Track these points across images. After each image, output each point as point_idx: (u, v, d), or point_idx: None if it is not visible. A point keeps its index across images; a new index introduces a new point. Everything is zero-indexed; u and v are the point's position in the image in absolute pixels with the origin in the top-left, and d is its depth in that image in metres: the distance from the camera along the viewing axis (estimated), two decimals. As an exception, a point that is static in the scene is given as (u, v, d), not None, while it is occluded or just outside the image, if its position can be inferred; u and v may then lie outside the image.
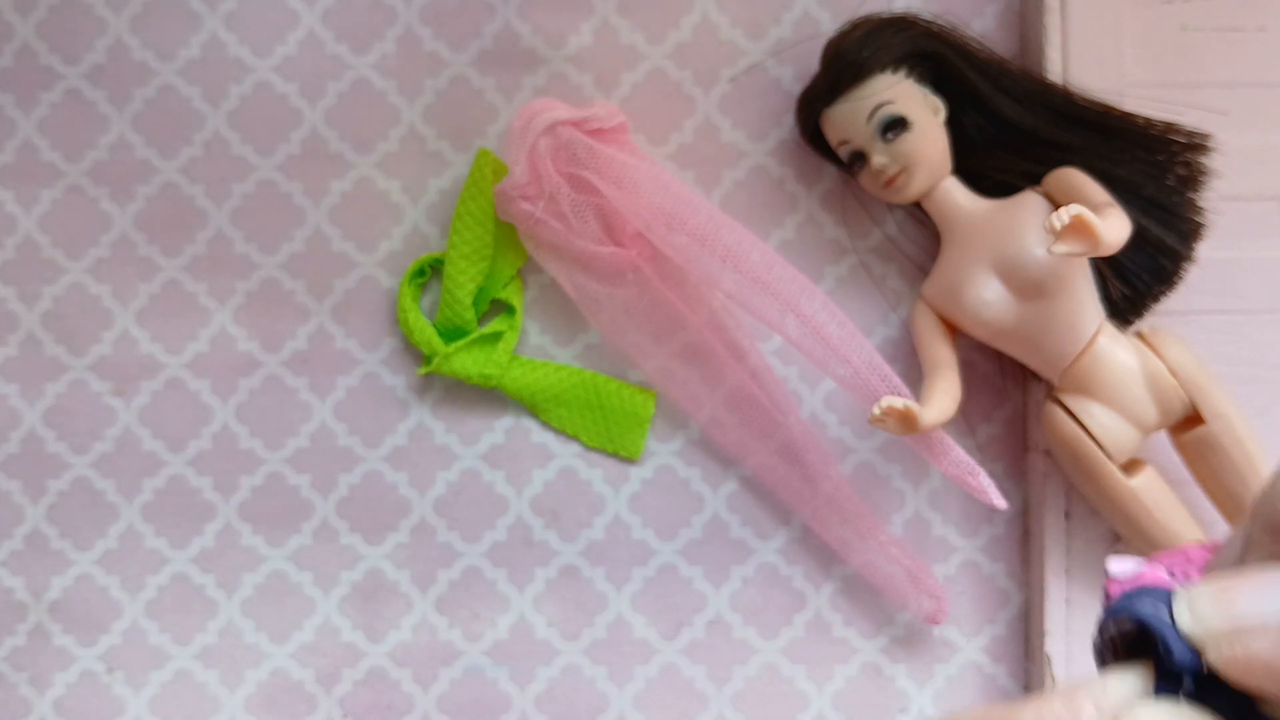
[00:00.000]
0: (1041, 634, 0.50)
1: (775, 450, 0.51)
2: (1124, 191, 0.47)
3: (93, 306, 0.53)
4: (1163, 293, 0.48)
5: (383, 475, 0.53)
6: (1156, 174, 0.48)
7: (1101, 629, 0.24)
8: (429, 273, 0.53)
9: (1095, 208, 0.45)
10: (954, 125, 0.48)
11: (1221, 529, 0.48)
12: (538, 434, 0.53)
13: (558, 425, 0.53)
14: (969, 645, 0.53)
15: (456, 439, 0.53)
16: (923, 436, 0.48)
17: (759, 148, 0.53)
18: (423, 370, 0.52)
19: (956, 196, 0.49)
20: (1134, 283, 0.48)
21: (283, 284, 0.53)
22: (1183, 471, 0.48)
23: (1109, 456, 0.47)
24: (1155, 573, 0.25)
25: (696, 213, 0.49)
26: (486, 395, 0.53)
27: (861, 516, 0.51)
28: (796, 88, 0.51)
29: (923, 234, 0.52)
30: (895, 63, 0.48)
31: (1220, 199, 0.49)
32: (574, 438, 0.53)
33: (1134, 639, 0.23)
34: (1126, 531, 0.48)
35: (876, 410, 0.45)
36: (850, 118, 0.48)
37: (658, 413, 0.53)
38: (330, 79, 0.53)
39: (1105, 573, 0.25)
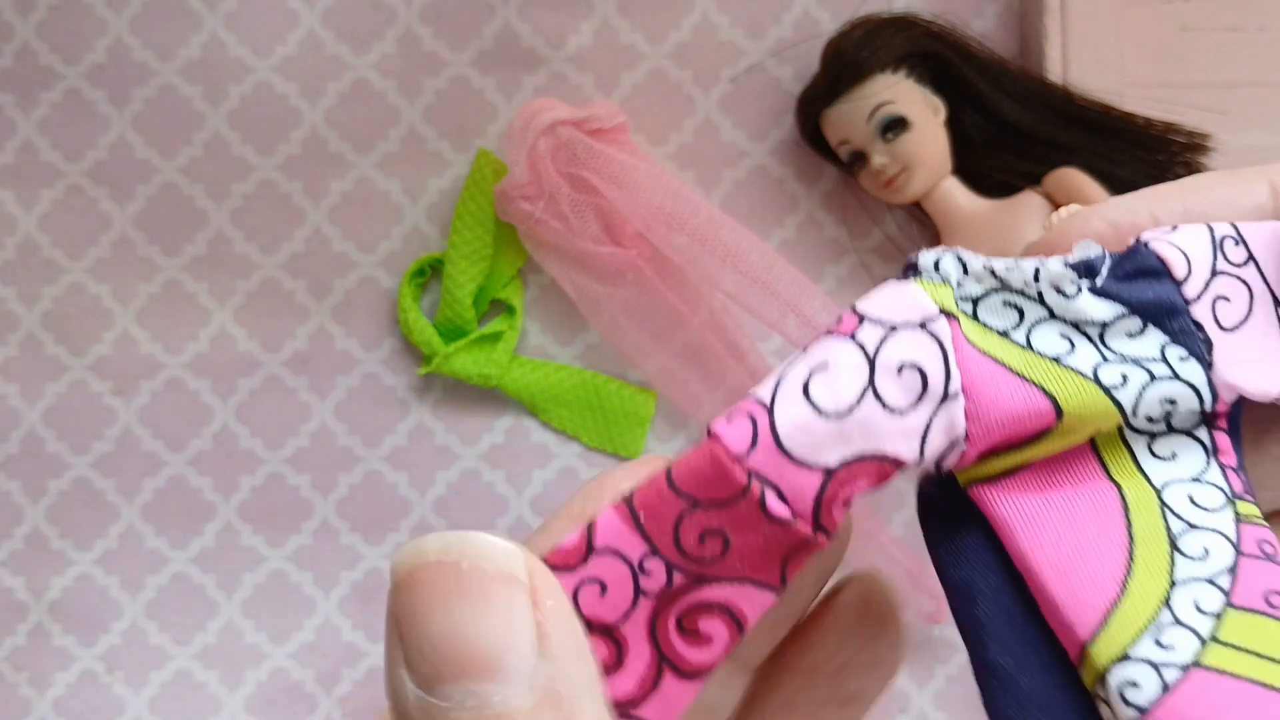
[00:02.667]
0: (1041, 634, 0.50)
1: (775, 450, 0.51)
2: (1124, 191, 0.47)
3: (93, 306, 0.53)
4: (1163, 293, 0.48)
5: (383, 475, 0.53)
6: (1156, 174, 0.48)
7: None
8: (429, 273, 0.53)
9: (1095, 208, 0.45)
10: (954, 125, 0.48)
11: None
12: (538, 434, 0.53)
13: (558, 425, 0.53)
14: (969, 645, 0.53)
15: (456, 439, 0.53)
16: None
17: (759, 148, 0.53)
18: (423, 370, 0.52)
19: (956, 196, 0.49)
20: (1134, 283, 0.48)
21: (283, 284, 0.53)
22: (1183, 471, 0.48)
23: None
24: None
25: (696, 213, 0.49)
26: (486, 395, 0.53)
27: (861, 516, 0.51)
28: (796, 88, 0.51)
29: (923, 234, 0.52)
30: (895, 63, 0.48)
31: (1220, 199, 0.49)
32: (574, 438, 0.53)
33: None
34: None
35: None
36: (850, 118, 0.48)
37: (658, 413, 0.53)
38: (330, 79, 0.53)
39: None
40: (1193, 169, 0.48)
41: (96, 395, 0.54)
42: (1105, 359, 0.22)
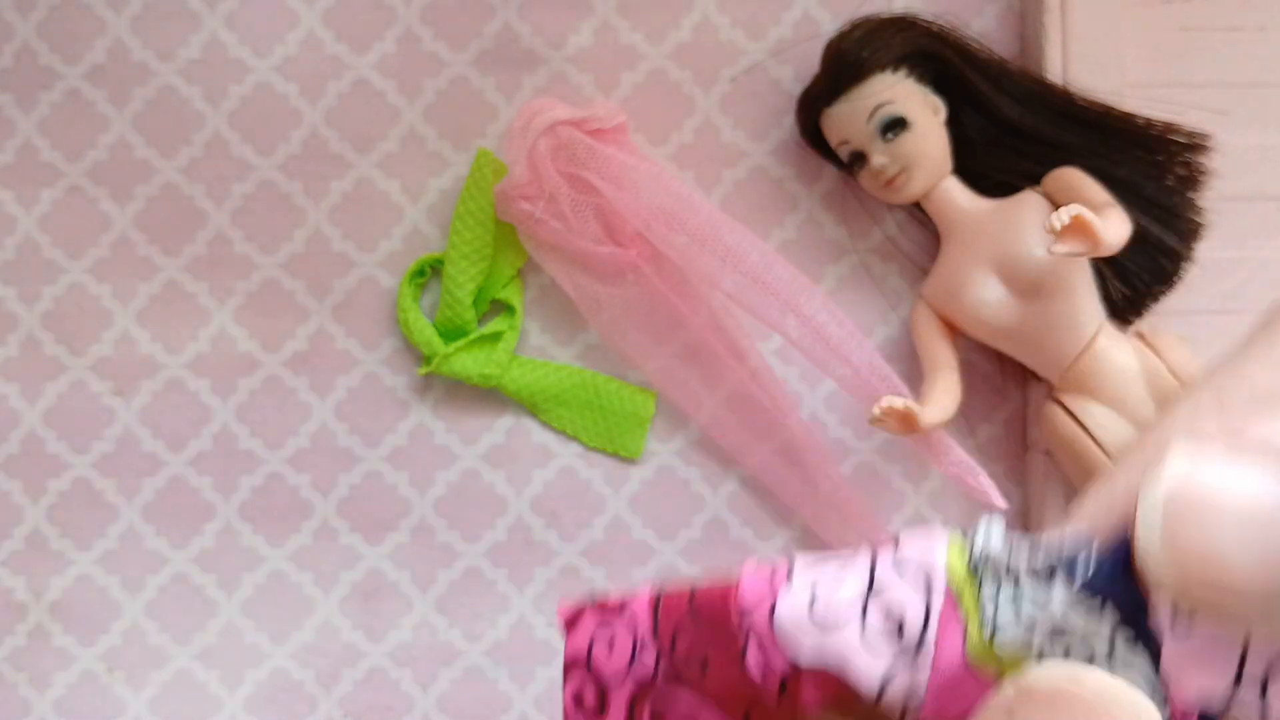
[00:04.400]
0: (1041, 634, 0.50)
1: (775, 450, 0.51)
2: (1124, 191, 0.47)
3: (93, 306, 0.53)
4: (1163, 293, 0.48)
5: (383, 475, 0.53)
6: (1156, 174, 0.48)
7: None
8: (429, 273, 0.53)
9: (1095, 208, 0.45)
10: (954, 125, 0.48)
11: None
12: (538, 434, 0.53)
13: (558, 425, 0.53)
14: (969, 645, 0.52)
15: (456, 439, 0.53)
16: (923, 436, 0.48)
17: (759, 148, 0.53)
18: (423, 370, 0.52)
19: (956, 196, 0.49)
20: (1134, 283, 0.48)
21: (283, 284, 0.53)
22: (1183, 471, 0.48)
23: (1109, 456, 0.47)
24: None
25: (696, 213, 0.49)
26: (486, 395, 0.53)
27: (861, 517, 0.51)
28: (796, 88, 0.51)
29: (923, 234, 0.52)
30: (895, 63, 0.48)
31: (1220, 199, 0.49)
32: (574, 438, 0.53)
33: None
34: (1126, 531, 0.48)
35: (876, 410, 0.45)
36: (850, 118, 0.48)
37: (658, 413, 0.53)
38: (330, 79, 0.53)
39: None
40: (1193, 169, 0.48)
41: (96, 395, 0.54)
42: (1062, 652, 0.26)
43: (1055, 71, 0.49)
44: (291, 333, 0.53)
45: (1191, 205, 0.48)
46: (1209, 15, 0.51)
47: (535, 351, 0.53)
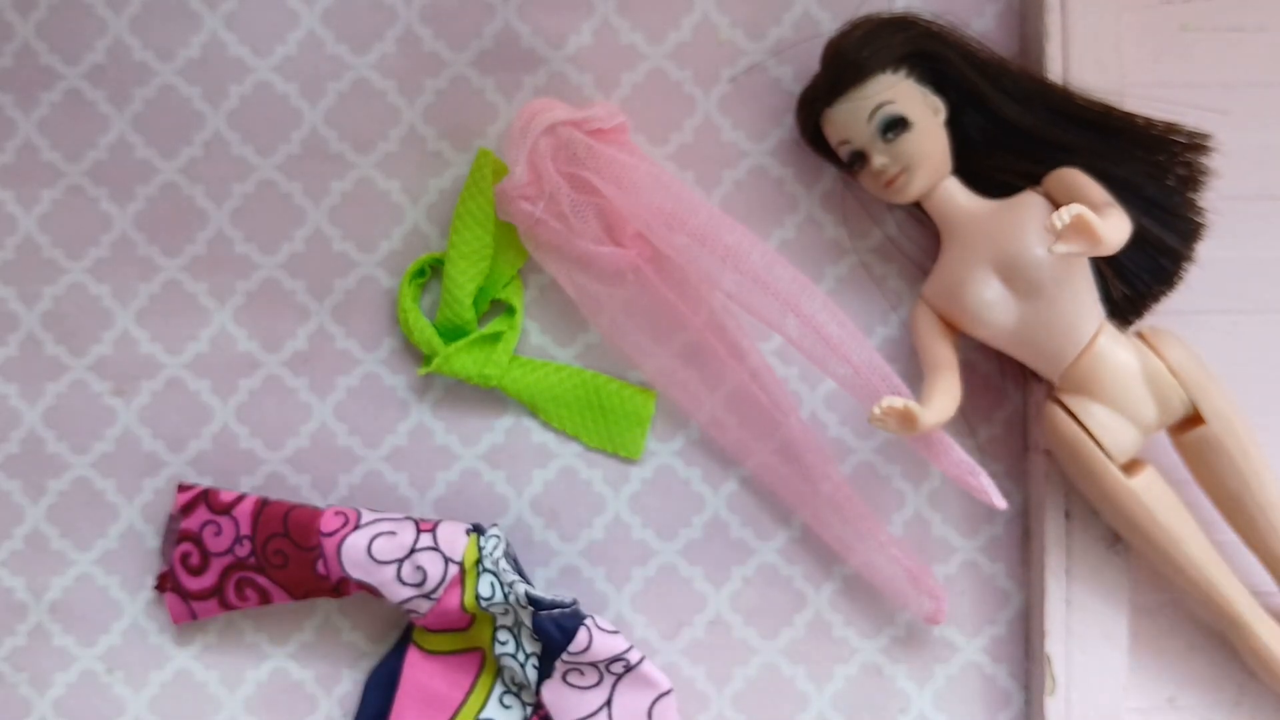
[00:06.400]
0: (1041, 634, 0.50)
1: (775, 450, 0.51)
2: (1124, 191, 0.47)
3: (93, 306, 0.53)
4: (1163, 293, 0.48)
5: (383, 475, 0.53)
6: (1156, 174, 0.48)
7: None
8: (429, 273, 0.53)
9: (1095, 208, 0.45)
10: (954, 125, 0.48)
11: (1221, 528, 0.48)
12: (538, 434, 0.53)
13: (558, 425, 0.53)
14: (969, 645, 0.52)
15: (456, 439, 0.53)
16: (923, 436, 0.48)
17: (759, 148, 0.53)
18: (423, 370, 0.52)
19: (957, 197, 0.49)
20: (1134, 283, 0.48)
21: (283, 284, 0.53)
22: (1183, 471, 0.48)
23: (1109, 456, 0.47)
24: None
25: (696, 213, 0.49)
26: (486, 395, 0.53)
27: (861, 516, 0.51)
28: (796, 88, 0.51)
29: (923, 234, 0.52)
30: (895, 63, 0.48)
31: (1220, 199, 0.49)
32: (574, 438, 0.53)
33: None
34: (1127, 531, 0.48)
35: (876, 410, 0.45)
36: (850, 118, 0.48)
37: (658, 413, 0.53)
38: (330, 79, 0.53)
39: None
40: (1193, 169, 0.48)
41: (96, 395, 0.54)
42: (507, 626, 0.48)
43: (1055, 71, 0.49)
44: (291, 333, 0.53)
45: (1191, 205, 0.48)
46: (1209, 15, 0.51)
47: (535, 351, 0.53)
